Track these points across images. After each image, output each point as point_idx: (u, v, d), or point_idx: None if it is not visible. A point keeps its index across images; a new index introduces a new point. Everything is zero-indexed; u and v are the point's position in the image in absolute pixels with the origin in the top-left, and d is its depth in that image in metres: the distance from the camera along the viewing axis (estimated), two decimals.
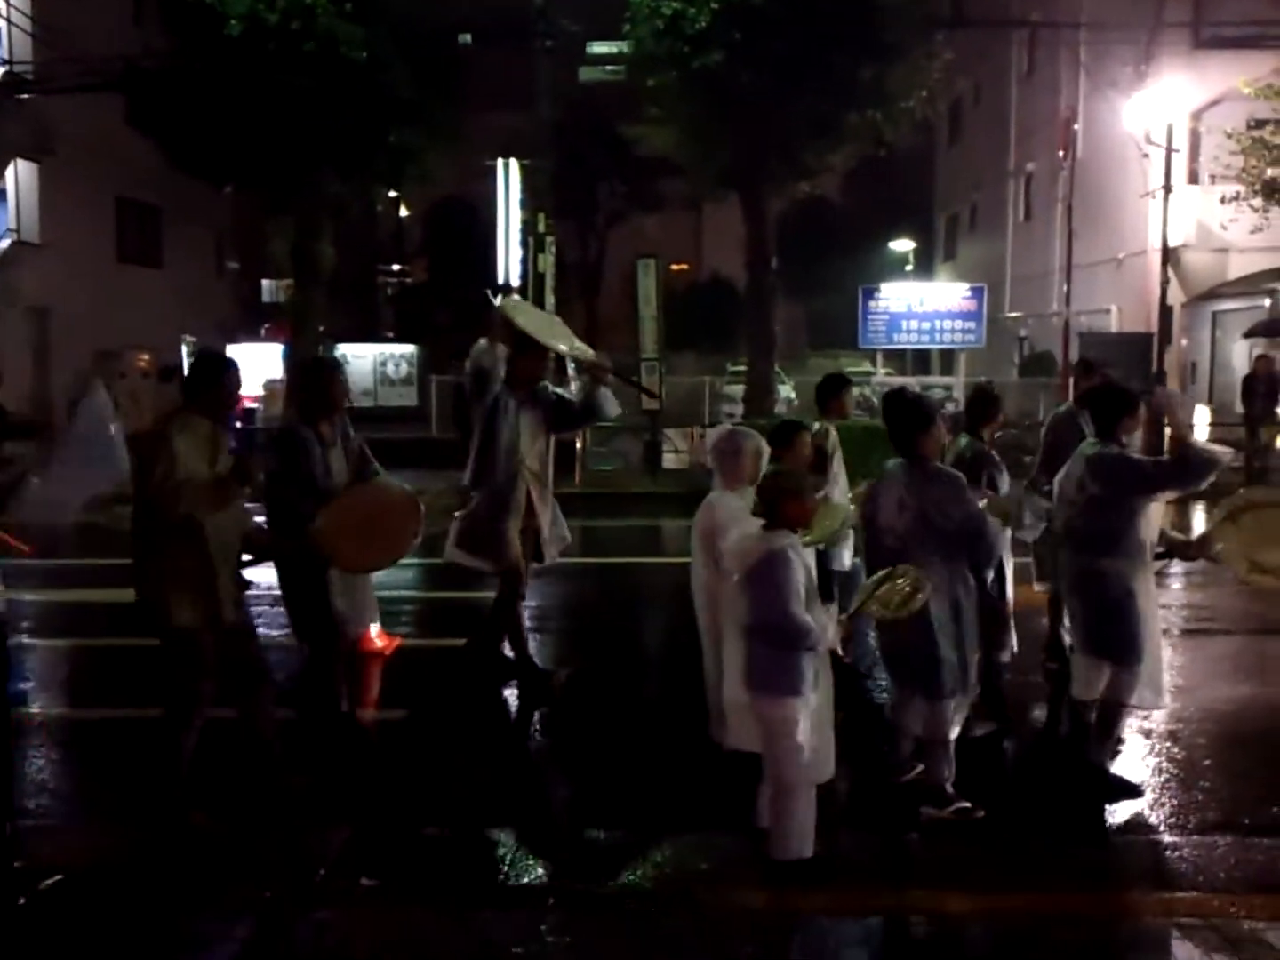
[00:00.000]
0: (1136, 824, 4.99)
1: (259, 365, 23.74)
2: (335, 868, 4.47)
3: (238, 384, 4.96)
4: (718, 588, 5.25)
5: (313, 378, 5.82)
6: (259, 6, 17.29)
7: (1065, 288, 24.43)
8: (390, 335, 33.72)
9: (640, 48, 18.63)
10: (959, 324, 21.86)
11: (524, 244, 19.51)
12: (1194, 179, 22.34)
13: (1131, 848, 4.83)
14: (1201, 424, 19.94)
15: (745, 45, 17.28)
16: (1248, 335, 22.22)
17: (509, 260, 19.62)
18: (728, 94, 17.65)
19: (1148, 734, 5.97)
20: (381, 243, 38.69)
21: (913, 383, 23.18)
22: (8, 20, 20.98)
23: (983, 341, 22.23)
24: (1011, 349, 29.49)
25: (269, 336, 26.17)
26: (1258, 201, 18.73)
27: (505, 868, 4.50)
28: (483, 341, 6.54)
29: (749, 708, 4.55)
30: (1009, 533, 6.07)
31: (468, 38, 21.85)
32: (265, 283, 36.14)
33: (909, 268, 37.57)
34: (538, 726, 6.44)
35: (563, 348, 6.68)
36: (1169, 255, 19.71)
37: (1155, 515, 5.31)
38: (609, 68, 20.00)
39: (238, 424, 20.58)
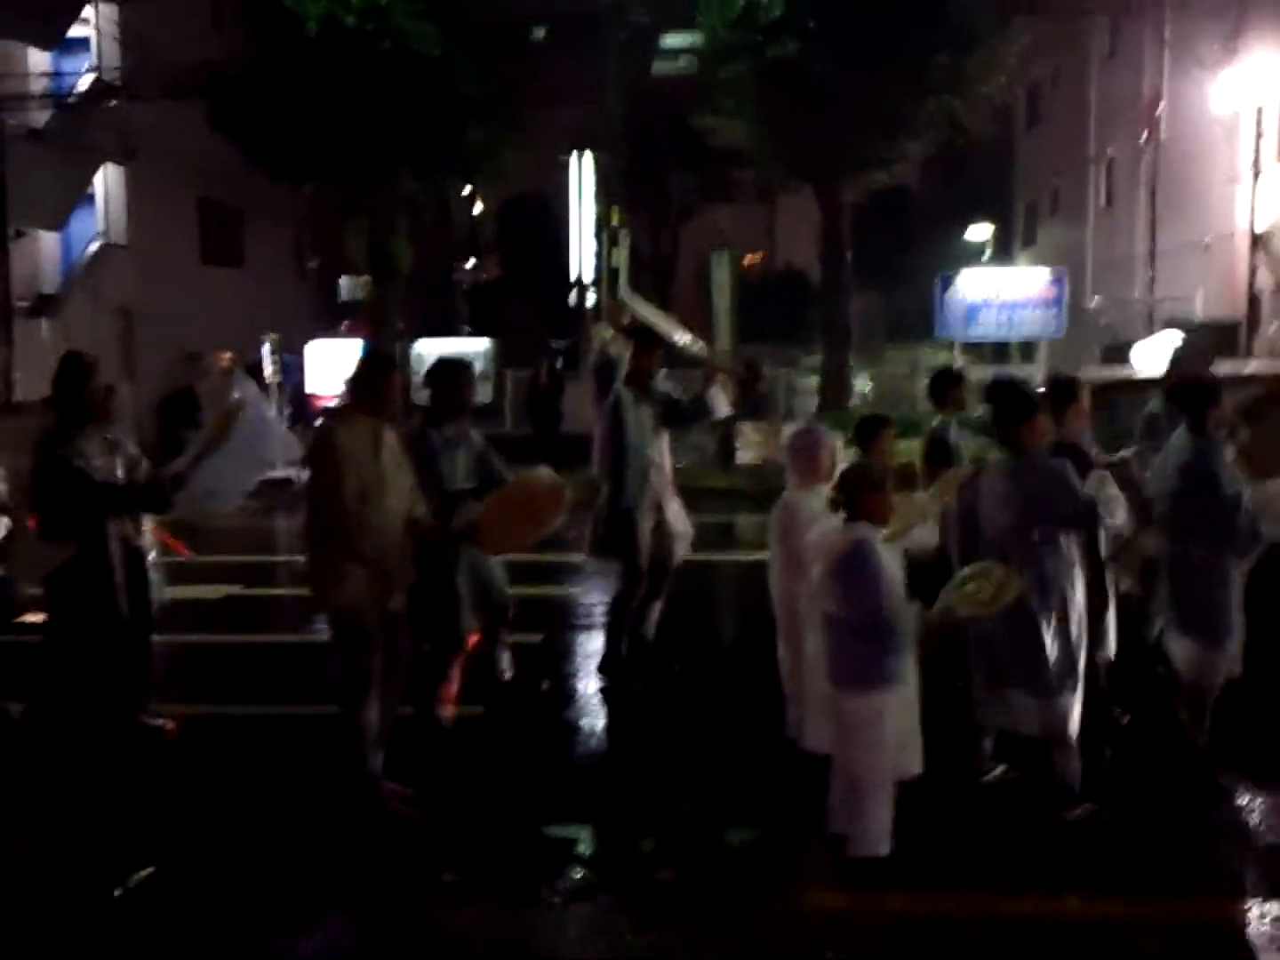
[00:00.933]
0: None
1: (339, 363, 24.08)
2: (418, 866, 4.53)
3: (399, 383, 5.10)
4: (795, 586, 5.23)
5: (443, 379, 5.85)
6: (336, 8, 17.53)
7: (1149, 274, 23.86)
8: (467, 330, 33.99)
9: (713, 38, 18.55)
10: (1039, 313, 21.43)
11: (597, 238, 19.57)
12: None
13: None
14: None
15: (819, 34, 17.13)
16: None
17: (582, 254, 19.70)
18: (801, 84, 17.49)
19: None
20: (456, 239, 38.95)
21: (994, 372, 22.79)
22: (97, 29, 21.51)
23: (1063, 330, 21.78)
24: (1092, 337, 28.86)
25: (348, 334, 26.48)
26: None
27: (584, 866, 4.52)
28: (608, 332, 6.54)
29: (832, 704, 4.53)
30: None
31: (540, 33, 21.98)
32: (343, 280, 36.59)
33: (987, 256, 36.94)
34: (620, 726, 6.45)
35: (683, 338, 6.72)
36: (1257, 239, 19.19)
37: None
38: (681, 60, 19.95)
39: (318, 422, 20.92)
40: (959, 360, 26.39)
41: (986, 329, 21.98)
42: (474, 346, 24.22)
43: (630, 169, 22.70)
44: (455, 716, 6.40)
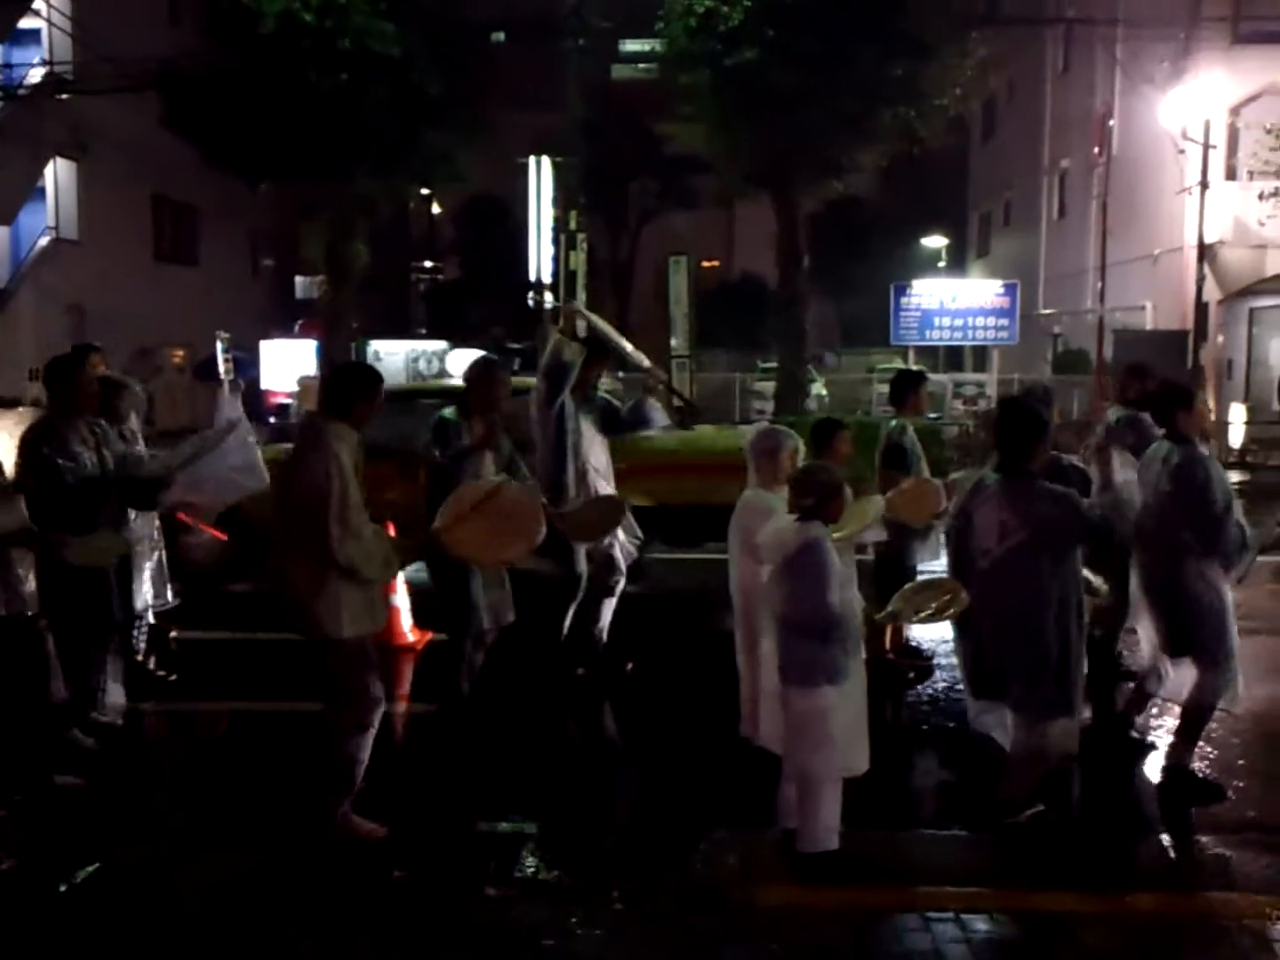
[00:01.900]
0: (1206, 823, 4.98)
1: (293, 362, 23.95)
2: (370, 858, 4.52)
3: (381, 397, 4.70)
4: (754, 585, 5.26)
5: (481, 376, 5.89)
6: (294, 5, 17.41)
7: (1100, 285, 24.24)
8: (423, 332, 33.87)
9: (673, 45, 18.65)
10: (992, 321, 21.75)
11: (555, 241, 19.59)
12: (1231, 175, 22.11)
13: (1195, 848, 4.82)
14: (1238, 422, 19.76)
15: (778, 43, 17.25)
16: None
17: (540, 257, 19.70)
18: (760, 92, 17.62)
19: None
20: (414, 240, 38.85)
21: (945, 380, 23.08)
22: (48, 21, 21.24)
23: (1015, 339, 22.12)
24: (1045, 346, 29.30)
25: (302, 333, 26.34)
26: None
27: (535, 862, 4.53)
28: (560, 336, 6.51)
29: (782, 701, 4.58)
30: None
31: (500, 36, 21.95)
32: (298, 279, 36.38)
33: (941, 265, 37.41)
34: (571, 723, 6.47)
35: (629, 349, 6.74)
36: (1205, 252, 19.56)
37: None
38: (641, 65, 20.03)
39: (271, 419, 20.77)
40: (911, 367, 26.73)
41: (940, 335, 22.27)
42: (430, 348, 24.16)
43: (590, 173, 22.75)
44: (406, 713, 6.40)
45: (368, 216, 20.10)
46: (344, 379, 4.73)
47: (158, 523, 6.56)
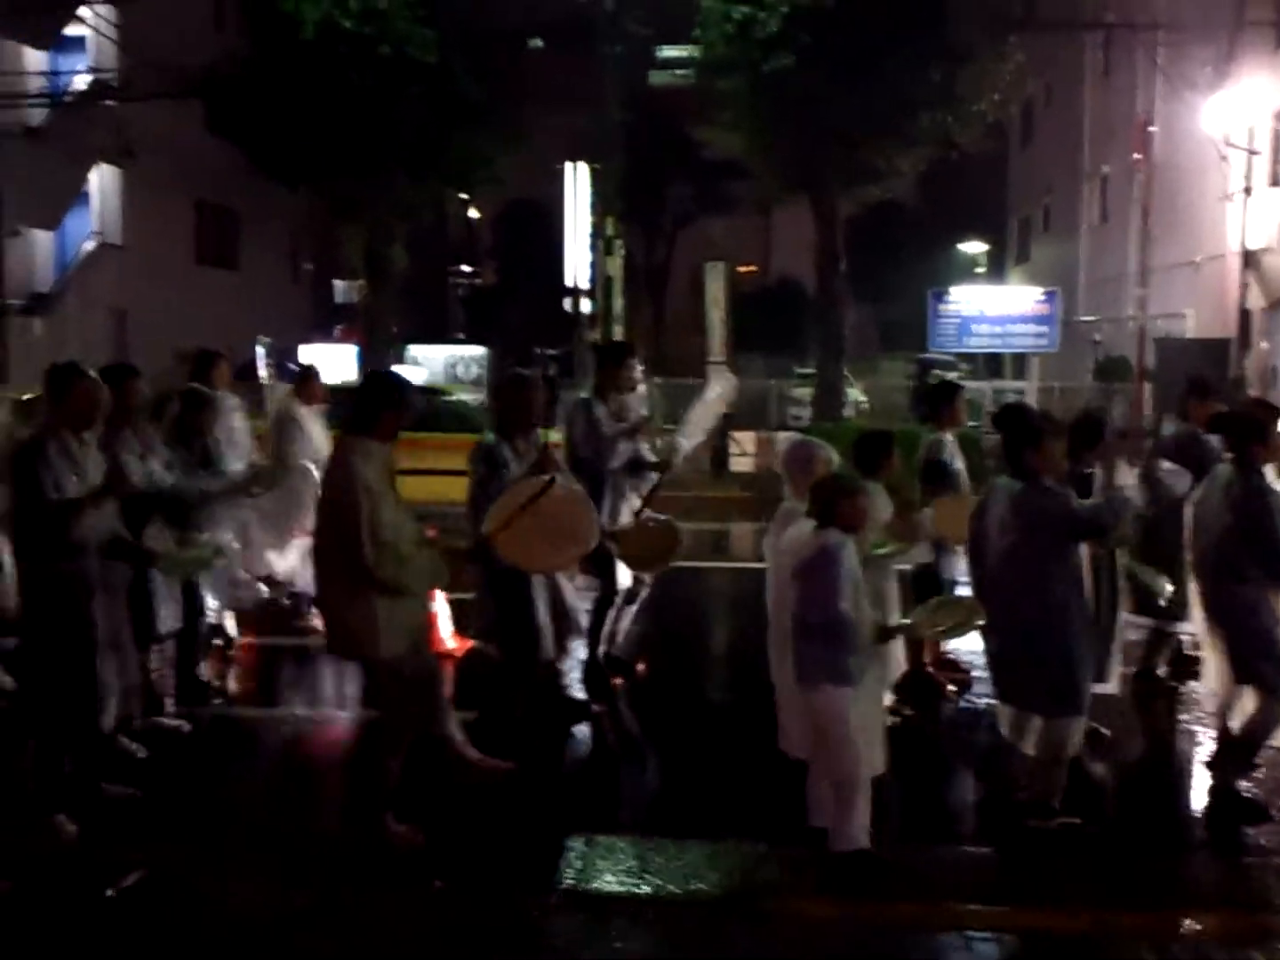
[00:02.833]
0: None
1: (333, 367, 24.13)
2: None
3: (411, 410, 4.67)
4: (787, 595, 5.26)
5: (512, 393, 5.85)
6: (334, 11, 17.57)
7: (1141, 292, 23.98)
8: (461, 337, 34.05)
9: (710, 51, 18.64)
10: (1031, 328, 21.52)
11: (592, 247, 19.63)
12: (1275, 181, 21.81)
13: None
14: None
15: (815, 49, 17.21)
16: None
17: (577, 262, 19.75)
18: (798, 97, 17.58)
19: None
20: (452, 245, 39.06)
21: (985, 387, 22.91)
22: (94, 29, 21.54)
23: (1055, 346, 21.89)
24: (1085, 353, 29.03)
25: (342, 338, 26.53)
26: None
27: (573, 871, 4.54)
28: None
29: (801, 705, 4.62)
30: None
31: (538, 41, 22.03)
32: (338, 284, 36.68)
33: (980, 270, 37.19)
34: (606, 732, 6.47)
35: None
36: (1249, 258, 19.32)
37: None
38: (678, 71, 20.03)
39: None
40: (951, 375, 26.58)
41: (979, 343, 22.09)
42: (469, 353, 24.27)
43: (626, 178, 22.76)
44: None
45: (406, 221, 20.24)
46: (367, 392, 4.65)
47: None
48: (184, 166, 24.51)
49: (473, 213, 39.42)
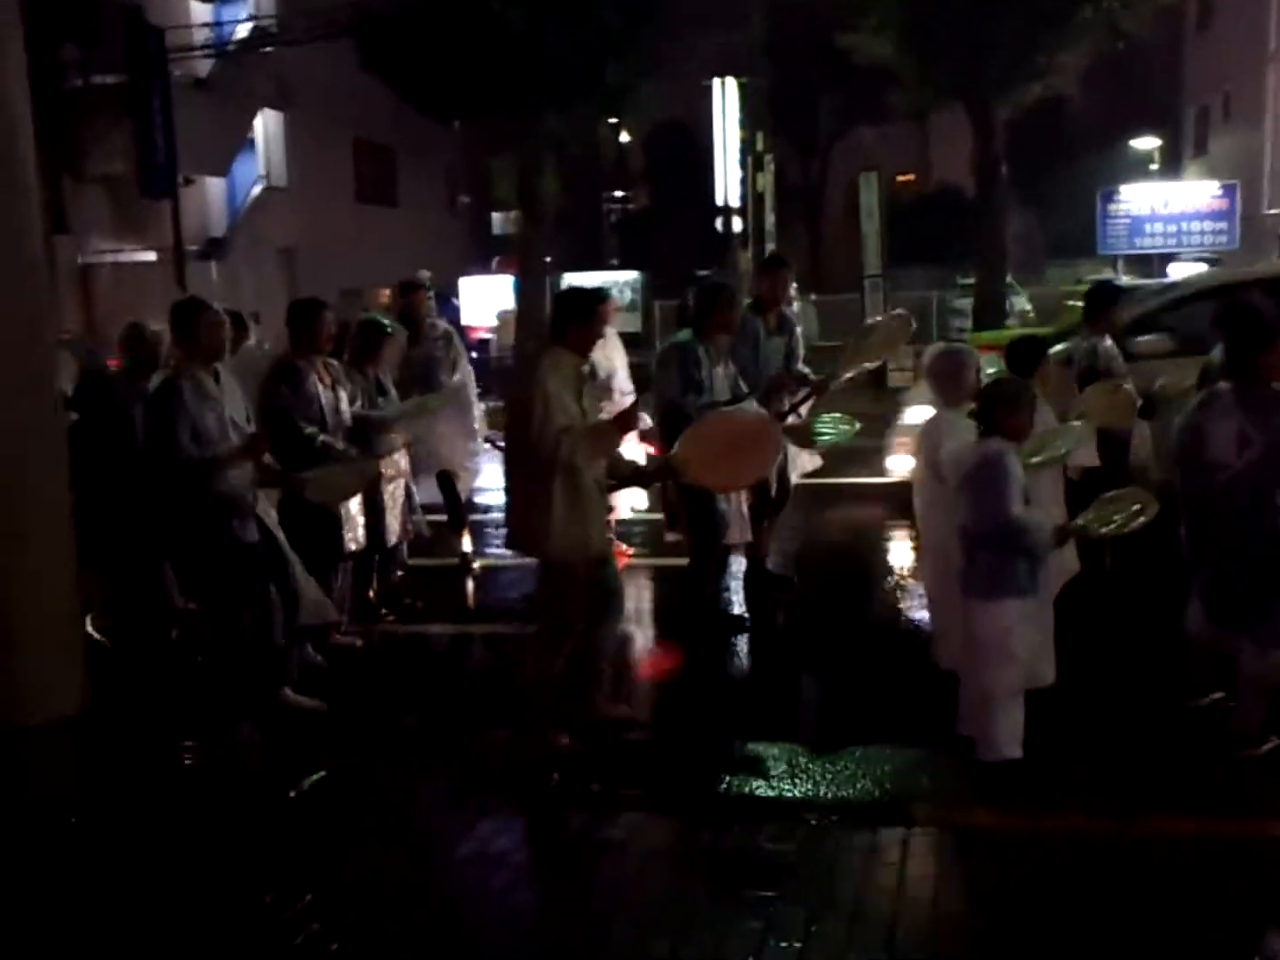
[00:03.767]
0: None
1: (491, 298, 24.56)
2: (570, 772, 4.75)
3: (604, 318, 5.07)
4: (939, 505, 5.23)
5: (708, 298, 6.15)
6: None
7: None
8: (615, 263, 34.11)
9: None
10: (1209, 225, 20.46)
11: (743, 164, 19.36)
12: None
13: None
14: None
15: None
16: None
17: (728, 182, 19.53)
18: None
19: None
20: (603, 171, 38.99)
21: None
22: None
23: (1236, 243, 20.74)
24: (1271, 249, 27.37)
25: (499, 269, 26.93)
26: None
27: (726, 780, 4.67)
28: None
29: (963, 615, 4.61)
30: None
31: None
32: (495, 216, 37.13)
33: (1154, 167, 35.18)
34: (765, 645, 6.57)
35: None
36: None
37: None
38: None
39: (473, 354, 21.41)
40: (1120, 277, 25.44)
41: (1151, 243, 21.10)
42: (621, 278, 24.33)
43: (774, 92, 22.30)
44: None
45: (557, 151, 20.31)
46: (558, 305, 4.99)
47: (402, 458, 6.72)
48: (341, 108, 25.11)
49: (623, 137, 39.26)
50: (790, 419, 6.02)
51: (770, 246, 19.97)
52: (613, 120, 29.51)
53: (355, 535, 6.11)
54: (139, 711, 5.47)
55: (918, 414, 7.14)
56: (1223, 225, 20.37)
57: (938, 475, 5.19)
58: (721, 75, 19.70)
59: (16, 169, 5.26)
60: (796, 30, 28.01)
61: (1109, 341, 6.69)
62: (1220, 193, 20.78)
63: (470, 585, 7.87)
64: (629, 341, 8.71)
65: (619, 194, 40.84)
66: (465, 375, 7.70)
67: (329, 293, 23.36)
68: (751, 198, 18.70)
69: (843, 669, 6.06)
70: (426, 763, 4.93)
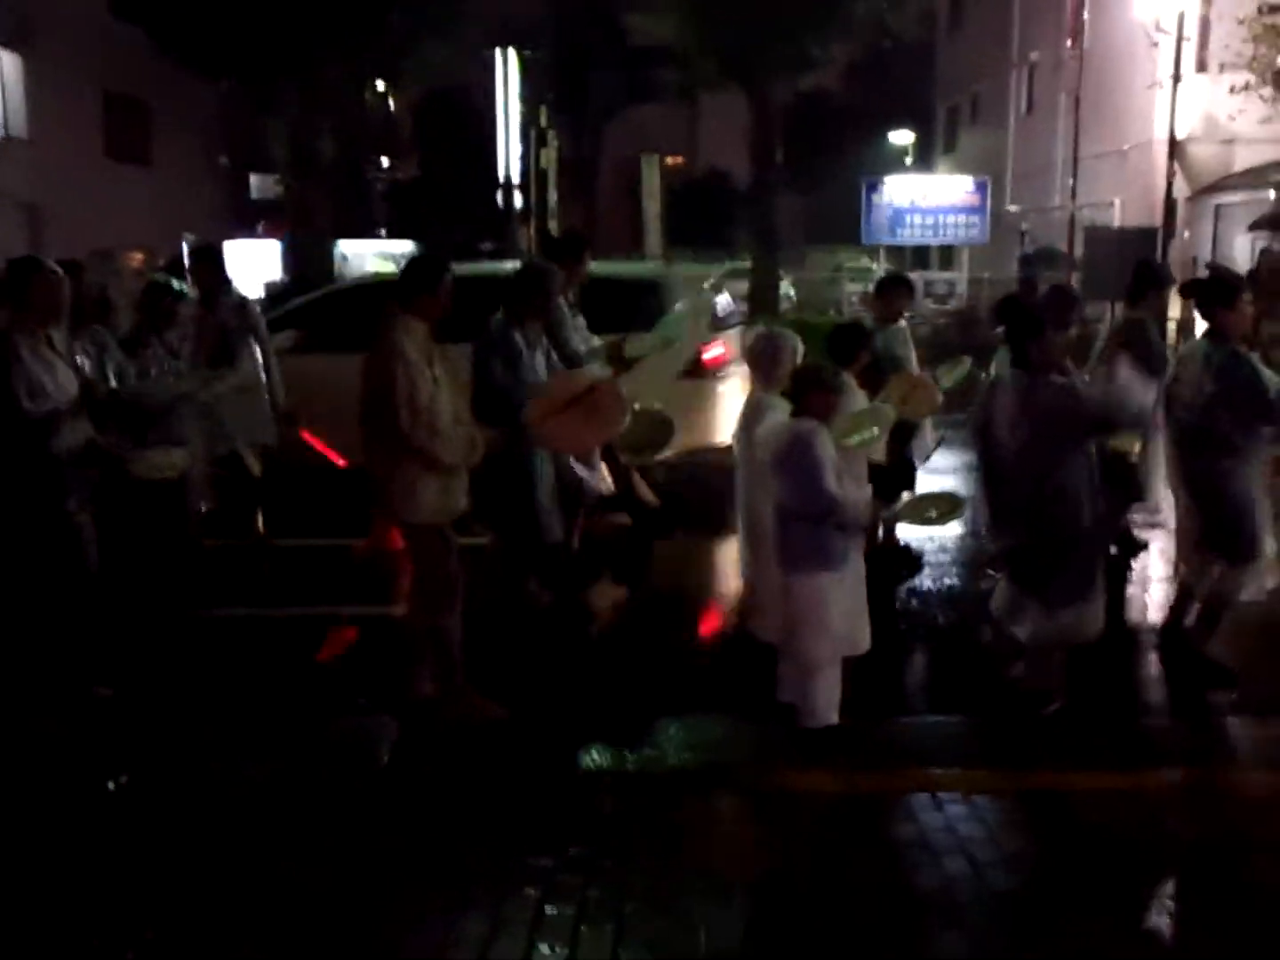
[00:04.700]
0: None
1: (257, 263, 23.53)
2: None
3: (450, 288, 4.86)
4: (758, 484, 5.35)
5: (529, 281, 5.82)
6: None
7: (1070, 181, 24.16)
8: (382, 232, 33.29)
9: None
10: (963, 219, 21.72)
11: (524, 138, 19.21)
12: (1202, 67, 21.92)
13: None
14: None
15: None
16: (1252, 228, 22.06)
17: (509, 155, 19.34)
18: None
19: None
20: (371, 136, 37.93)
21: (916, 278, 23.02)
22: None
23: (986, 237, 22.10)
24: (1013, 243, 29.28)
25: (266, 233, 25.84)
26: (1267, 91, 18.41)
27: (560, 750, 4.66)
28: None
29: (781, 589, 4.75)
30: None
31: None
32: (254, 178, 35.56)
33: (909, 160, 37.04)
34: (593, 624, 6.51)
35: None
36: (1175, 147, 19.51)
37: None
38: None
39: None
40: (880, 266, 26.68)
41: (911, 234, 22.21)
42: (398, 248, 23.79)
43: (555, 67, 22.16)
44: None
45: (331, 113, 19.61)
46: (406, 273, 4.89)
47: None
48: (90, 54, 23.41)
49: (391, 103, 38.26)
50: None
51: (553, 223, 19.94)
52: (380, 85, 28.74)
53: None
54: None
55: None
56: (975, 219, 21.66)
57: (754, 454, 5.31)
58: (500, 45, 19.43)
59: None
60: (579, 5, 28.00)
61: (902, 324, 7.01)
62: (973, 188, 22.06)
63: (270, 566, 7.53)
64: None
65: (386, 161, 39.84)
66: (265, 344, 7.33)
67: (78, 253, 21.91)
68: (534, 173, 18.56)
69: (663, 642, 6.12)
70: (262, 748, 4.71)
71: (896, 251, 29.24)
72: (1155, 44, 20.50)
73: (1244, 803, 4.29)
